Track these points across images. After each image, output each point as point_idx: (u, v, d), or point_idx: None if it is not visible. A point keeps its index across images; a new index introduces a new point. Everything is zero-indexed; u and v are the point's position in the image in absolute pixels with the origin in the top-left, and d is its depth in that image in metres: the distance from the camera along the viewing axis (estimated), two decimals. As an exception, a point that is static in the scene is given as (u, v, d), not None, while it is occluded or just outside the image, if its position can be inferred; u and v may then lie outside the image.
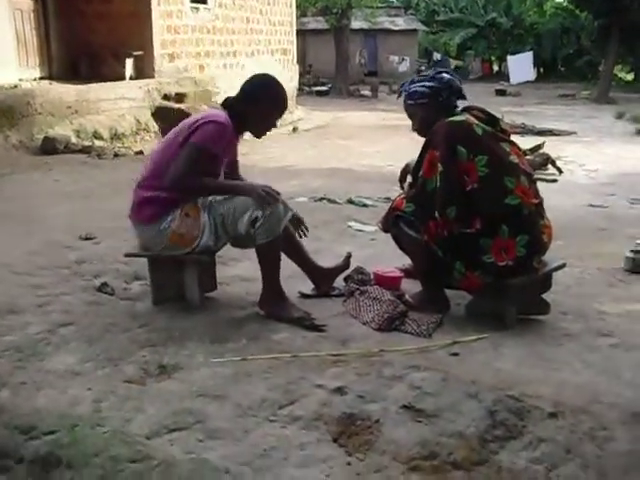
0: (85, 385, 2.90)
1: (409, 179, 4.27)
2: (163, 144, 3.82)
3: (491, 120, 3.97)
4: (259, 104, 3.78)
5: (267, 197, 3.60)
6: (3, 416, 2.62)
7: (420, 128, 4.05)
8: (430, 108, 3.90)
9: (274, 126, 3.94)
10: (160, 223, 3.67)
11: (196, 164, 3.58)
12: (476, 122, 3.79)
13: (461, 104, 4.06)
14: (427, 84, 3.90)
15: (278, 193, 3.70)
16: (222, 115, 3.72)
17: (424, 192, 3.79)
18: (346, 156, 10.11)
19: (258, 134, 3.97)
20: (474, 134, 3.73)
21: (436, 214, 3.72)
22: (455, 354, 3.37)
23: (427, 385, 2.96)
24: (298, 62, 21.21)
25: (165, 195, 3.65)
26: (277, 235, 3.65)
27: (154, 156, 3.81)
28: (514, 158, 3.79)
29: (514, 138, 4.07)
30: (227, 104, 3.85)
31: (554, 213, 4.18)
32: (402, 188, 4.26)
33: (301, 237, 4.12)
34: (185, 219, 3.65)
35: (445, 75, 3.95)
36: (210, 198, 3.68)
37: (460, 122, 3.77)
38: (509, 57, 38.56)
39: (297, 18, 21.83)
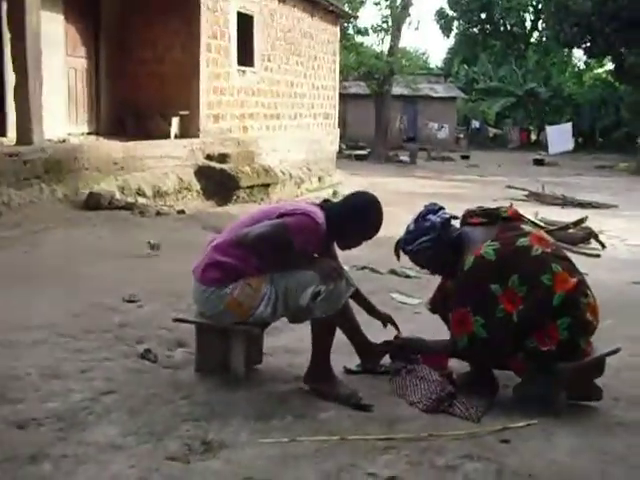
0: (127, 461, 2.82)
1: None
2: (250, 218, 3.81)
3: (490, 215, 3.91)
4: (355, 224, 3.77)
5: (332, 272, 3.58)
6: (44, 492, 2.54)
7: (435, 270, 4.08)
8: (437, 254, 3.87)
9: (359, 245, 3.94)
10: (222, 288, 3.64)
11: (272, 238, 3.58)
12: (481, 251, 3.66)
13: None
14: (425, 239, 3.84)
15: (342, 269, 3.69)
16: (321, 217, 3.69)
17: (456, 348, 3.77)
18: (387, 224, 10.05)
19: (342, 247, 3.97)
20: (490, 262, 3.62)
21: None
22: (506, 441, 3.25)
23: (482, 478, 2.83)
24: (338, 126, 21.43)
25: (237, 264, 3.63)
26: (336, 310, 3.60)
27: (239, 225, 3.80)
28: (537, 248, 3.66)
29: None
30: (326, 207, 3.84)
31: (598, 290, 4.06)
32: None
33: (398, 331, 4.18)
34: (246, 288, 3.61)
35: (432, 218, 3.87)
36: (274, 272, 3.64)
37: (473, 266, 3.66)
38: (548, 127, 38.67)
39: (339, 82, 22.14)
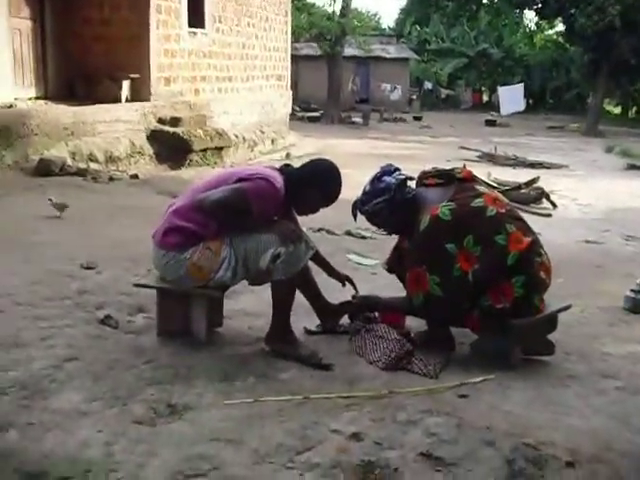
0: (94, 426, 2.83)
1: None
2: (208, 182, 3.80)
3: (445, 176, 3.99)
4: (313, 191, 3.79)
5: (291, 234, 3.61)
6: (12, 460, 2.53)
7: (391, 230, 4.16)
8: (393, 213, 3.93)
9: (316, 212, 3.98)
10: (182, 253, 3.64)
11: (231, 204, 3.59)
12: (437, 212, 3.73)
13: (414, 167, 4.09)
14: (380, 200, 3.91)
15: (301, 231, 3.74)
16: (280, 181, 3.70)
17: (412, 306, 3.87)
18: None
19: (300, 212, 4.00)
20: (446, 222, 3.70)
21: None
22: (464, 396, 3.36)
23: (442, 431, 2.94)
24: (291, 87, 21.28)
25: (196, 229, 3.64)
26: (296, 273, 3.64)
27: (197, 189, 3.79)
28: (492, 209, 3.75)
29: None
30: (286, 172, 3.85)
31: (551, 249, 4.19)
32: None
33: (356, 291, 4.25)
34: (206, 252, 3.63)
35: (388, 179, 3.94)
36: (234, 236, 3.65)
37: (429, 226, 3.74)
38: (500, 88, 38.83)
39: (291, 43, 21.92)
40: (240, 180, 3.65)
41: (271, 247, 3.58)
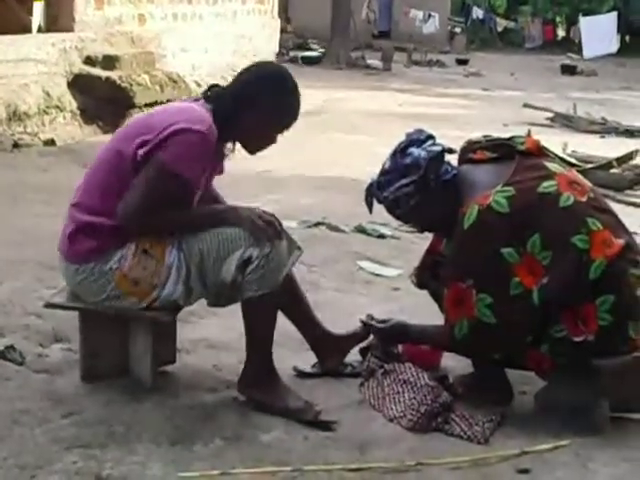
0: (-10, 509, 2.87)
1: None
2: (111, 148, 3.75)
3: (502, 148, 4.01)
4: (259, 109, 3.76)
5: (267, 228, 3.57)
6: None
7: (422, 226, 4.21)
8: (423, 202, 3.91)
9: (274, 142, 3.93)
10: (104, 262, 3.62)
11: (161, 194, 3.57)
12: (490, 201, 3.71)
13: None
14: (406, 182, 3.87)
15: (280, 223, 3.66)
16: (204, 118, 3.65)
17: (453, 338, 3.84)
18: (350, 159, 10.14)
19: (250, 149, 3.95)
20: (502, 216, 3.69)
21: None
22: (525, 471, 3.38)
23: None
24: (279, 14, 21.30)
25: (113, 223, 3.59)
26: (275, 286, 3.60)
27: (98, 165, 3.76)
28: (568, 196, 3.74)
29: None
30: (212, 97, 3.82)
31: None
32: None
33: None
34: (143, 258, 3.61)
35: (416, 152, 3.90)
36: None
37: (477, 221, 3.72)
38: (582, 19, 38.98)
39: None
40: (144, 144, 3.57)
41: (238, 247, 3.54)
